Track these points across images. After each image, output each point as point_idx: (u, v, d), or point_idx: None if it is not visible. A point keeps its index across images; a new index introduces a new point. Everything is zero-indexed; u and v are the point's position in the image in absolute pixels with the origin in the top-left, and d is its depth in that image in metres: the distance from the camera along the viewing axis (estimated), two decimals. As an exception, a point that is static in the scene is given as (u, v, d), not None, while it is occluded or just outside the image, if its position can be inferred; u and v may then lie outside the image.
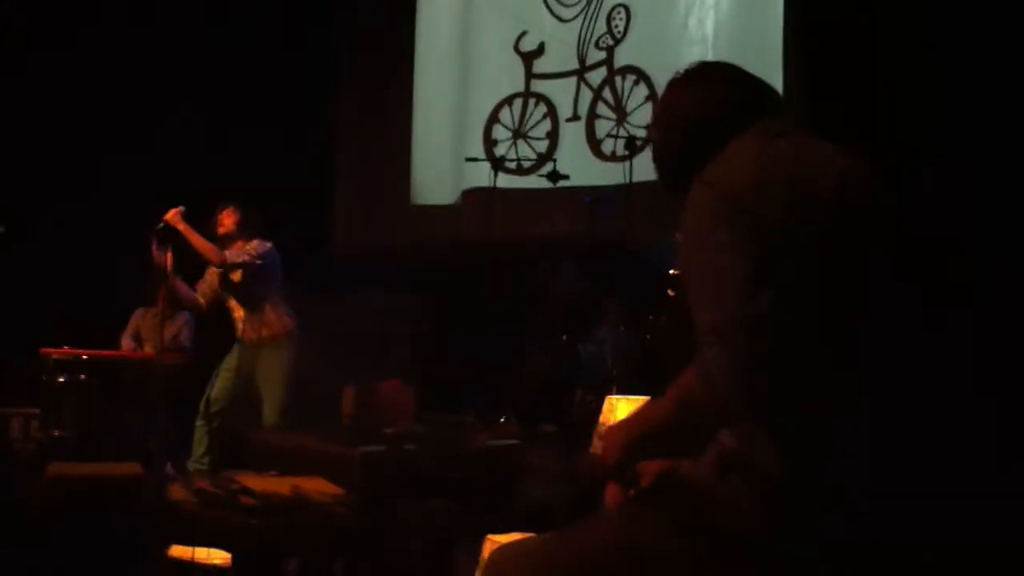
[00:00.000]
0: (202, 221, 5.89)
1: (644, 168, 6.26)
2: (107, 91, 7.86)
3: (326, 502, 3.44)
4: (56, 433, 6.07)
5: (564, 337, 6.33)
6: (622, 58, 7.67)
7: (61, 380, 6.24)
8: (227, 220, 6.02)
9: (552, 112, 8.01)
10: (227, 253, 5.86)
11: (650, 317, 5.83)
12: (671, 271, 5.65)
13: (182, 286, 5.95)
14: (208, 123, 8.10)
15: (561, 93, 7.98)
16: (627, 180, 6.24)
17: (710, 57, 6.90)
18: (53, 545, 3.80)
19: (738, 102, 2.07)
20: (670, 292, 5.64)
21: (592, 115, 7.77)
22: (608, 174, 7.21)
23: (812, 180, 1.89)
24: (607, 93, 7.72)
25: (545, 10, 8.08)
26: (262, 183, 7.34)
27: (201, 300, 6.07)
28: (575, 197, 6.82)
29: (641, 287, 5.98)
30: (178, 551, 3.69)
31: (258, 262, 5.91)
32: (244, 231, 6.02)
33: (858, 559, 1.86)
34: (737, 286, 1.78)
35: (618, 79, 7.66)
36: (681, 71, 2.17)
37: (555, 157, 7.35)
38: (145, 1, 8.10)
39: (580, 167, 7.27)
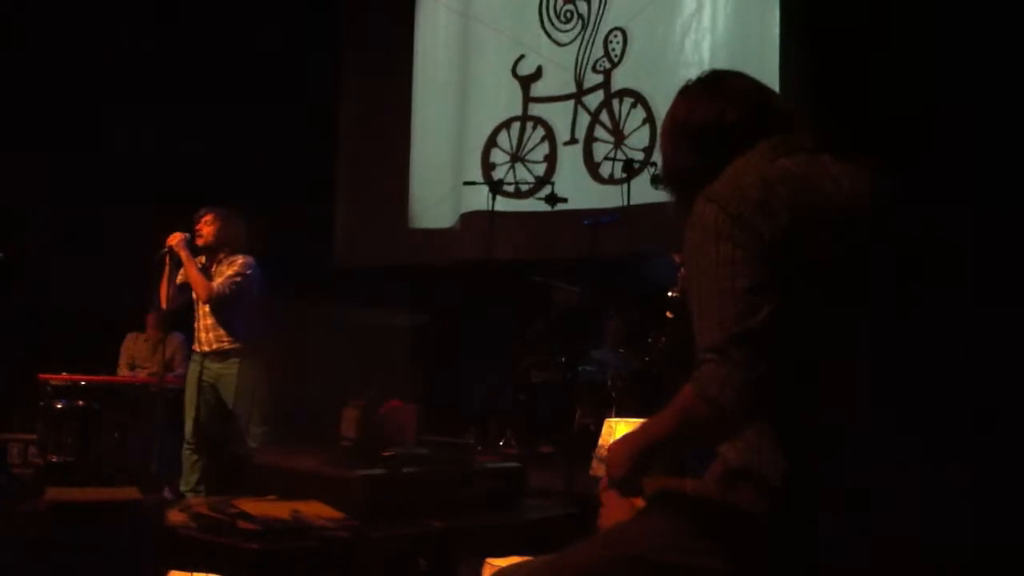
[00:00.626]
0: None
1: (642, 190, 6.27)
2: (104, 111, 7.86)
3: (325, 526, 3.43)
4: (54, 459, 6.04)
5: (563, 359, 6.33)
6: (619, 81, 7.70)
7: (59, 406, 6.21)
8: (205, 229, 5.80)
9: (550, 135, 8.03)
10: (214, 284, 5.68)
11: (649, 339, 5.83)
12: (670, 293, 5.67)
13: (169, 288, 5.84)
14: (209, 141, 8.07)
15: (559, 116, 8.00)
16: (625, 202, 6.25)
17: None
18: (51, 570, 3.77)
19: (748, 111, 2.07)
20: (669, 314, 5.65)
21: (590, 138, 7.79)
22: (606, 197, 7.23)
23: (815, 198, 1.90)
24: (604, 116, 7.74)
25: (543, 34, 8.12)
26: (263, 197, 7.35)
27: (165, 305, 5.90)
28: (574, 220, 6.82)
29: (640, 309, 5.99)
30: (176, 576, 3.67)
31: (239, 281, 5.70)
32: (225, 242, 5.82)
33: (861, 558, 1.86)
34: (737, 302, 1.79)
35: (615, 102, 7.68)
36: (693, 80, 2.17)
37: (553, 180, 7.35)
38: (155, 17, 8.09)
39: (578, 190, 7.29)
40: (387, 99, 8.84)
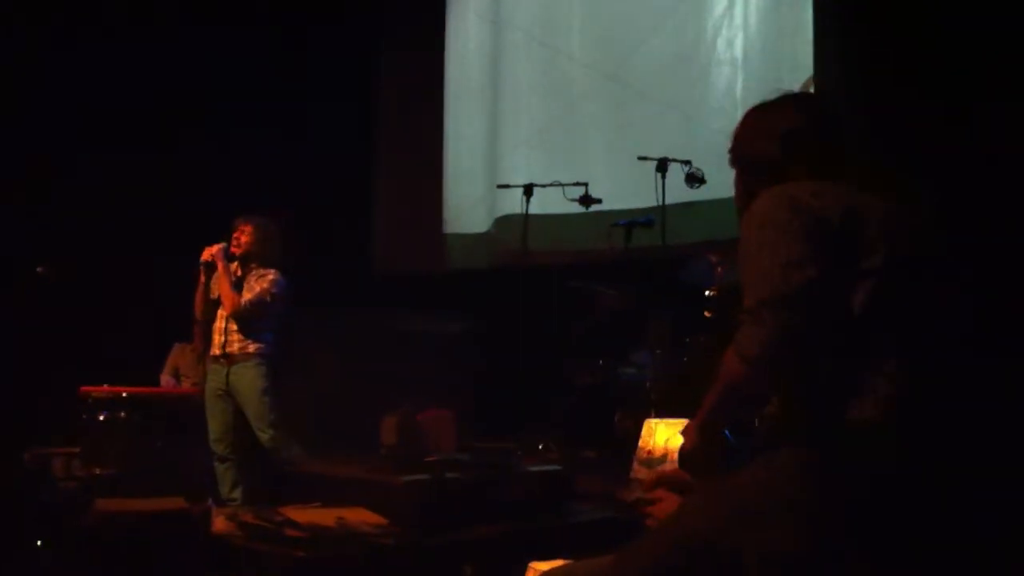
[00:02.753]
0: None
1: (677, 190, 6.25)
2: (146, 121, 7.91)
3: (370, 532, 3.44)
4: (98, 471, 6.09)
5: (600, 361, 6.31)
6: (651, 81, 7.65)
7: (101, 418, 6.26)
8: (243, 239, 5.85)
9: (583, 137, 8.00)
10: (242, 301, 5.70)
11: (687, 339, 5.81)
12: (708, 292, 5.64)
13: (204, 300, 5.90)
14: (250, 150, 8.11)
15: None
16: (660, 203, 6.22)
17: (739, 77, 6.93)
18: (100, 581, 3.81)
19: (826, 140, 2.26)
20: (707, 313, 5.63)
21: (623, 138, 7.75)
22: (641, 198, 7.19)
23: (863, 204, 2.05)
24: (638, 116, 7.70)
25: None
26: (304, 204, 7.38)
27: (200, 316, 6.00)
28: (608, 221, 6.80)
29: (678, 309, 5.96)
30: (224, 584, 3.69)
31: (267, 300, 5.75)
32: (259, 254, 5.86)
33: (915, 515, 1.93)
34: (773, 275, 1.93)
35: (648, 102, 7.64)
36: (799, 91, 2.49)
37: (587, 181, 7.33)
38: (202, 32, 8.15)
39: (612, 191, 7.25)
40: (420, 105, 8.87)
